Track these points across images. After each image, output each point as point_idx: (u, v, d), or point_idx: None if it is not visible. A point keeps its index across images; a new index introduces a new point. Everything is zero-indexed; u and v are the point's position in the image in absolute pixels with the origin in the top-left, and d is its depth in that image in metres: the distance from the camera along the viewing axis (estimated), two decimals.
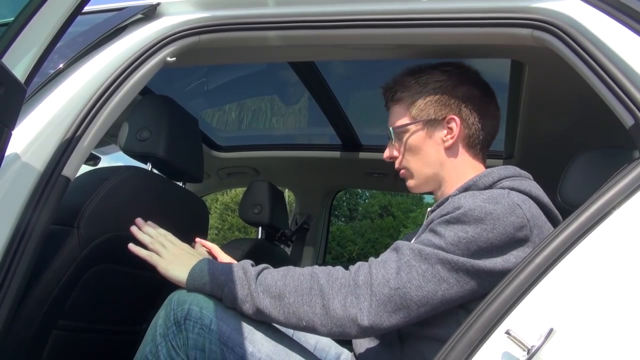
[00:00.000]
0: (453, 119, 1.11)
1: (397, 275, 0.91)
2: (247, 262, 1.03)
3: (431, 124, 1.12)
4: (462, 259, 0.90)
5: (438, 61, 1.17)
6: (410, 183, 1.17)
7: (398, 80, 1.16)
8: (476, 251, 0.91)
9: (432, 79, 1.13)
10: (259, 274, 0.99)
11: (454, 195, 1.02)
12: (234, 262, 1.21)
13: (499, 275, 0.89)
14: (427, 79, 1.13)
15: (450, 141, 1.11)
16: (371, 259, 0.98)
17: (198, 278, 1.01)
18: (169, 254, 1.07)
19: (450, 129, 1.11)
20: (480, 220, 0.91)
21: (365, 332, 0.93)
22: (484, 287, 0.91)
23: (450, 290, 0.91)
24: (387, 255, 0.97)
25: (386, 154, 1.19)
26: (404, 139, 1.14)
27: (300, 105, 2.33)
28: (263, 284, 0.97)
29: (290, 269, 0.99)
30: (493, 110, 1.16)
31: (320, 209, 2.79)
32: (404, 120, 1.14)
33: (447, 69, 1.14)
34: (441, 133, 1.12)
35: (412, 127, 1.13)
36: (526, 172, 1.06)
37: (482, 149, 1.15)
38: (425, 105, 1.12)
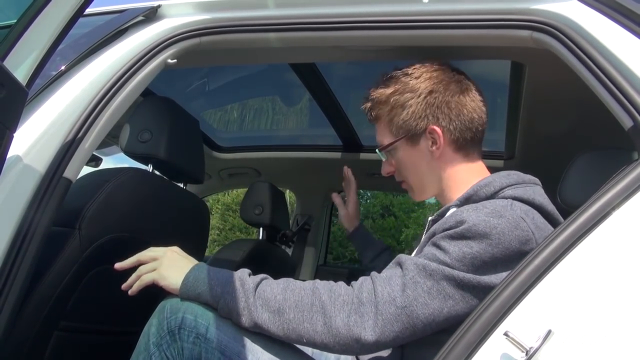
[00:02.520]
0: (433, 129, 1.08)
1: (403, 293, 0.88)
2: (245, 272, 0.97)
3: (413, 138, 1.10)
4: (468, 276, 0.88)
5: (407, 63, 1.15)
6: (412, 194, 1.19)
7: (373, 97, 1.16)
8: (481, 266, 0.89)
9: (406, 89, 1.10)
10: (257, 285, 0.94)
11: (456, 206, 1.00)
12: None
13: None
14: (401, 91, 1.11)
15: (437, 151, 1.09)
16: (374, 273, 0.95)
17: (192, 288, 0.96)
18: (163, 259, 1.01)
19: (434, 139, 1.09)
20: (485, 235, 0.89)
21: (369, 350, 0.90)
22: None
23: (456, 307, 0.89)
24: (391, 270, 0.94)
25: (384, 170, 1.20)
26: (395, 155, 1.15)
27: (301, 106, 2.34)
28: (262, 297, 0.93)
29: (291, 282, 0.95)
30: (473, 103, 1.11)
31: (322, 210, 2.79)
32: (388, 139, 1.14)
33: (417, 74, 1.11)
34: (426, 144, 1.10)
35: (397, 145, 1.12)
36: (531, 177, 1.03)
37: (474, 145, 1.12)
38: (403, 122, 1.10)
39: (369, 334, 0.87)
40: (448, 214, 0.99)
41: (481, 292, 0.89)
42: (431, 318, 0.88)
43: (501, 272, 0.89)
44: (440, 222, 0.97)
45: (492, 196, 0.99)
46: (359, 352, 0.91)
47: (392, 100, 1.12)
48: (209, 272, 0.97)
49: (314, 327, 0.90)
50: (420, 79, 1.10)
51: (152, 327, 0.97)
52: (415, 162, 1.12)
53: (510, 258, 0.89)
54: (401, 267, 0.92)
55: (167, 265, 1.00)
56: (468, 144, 1.11)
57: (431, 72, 1.11)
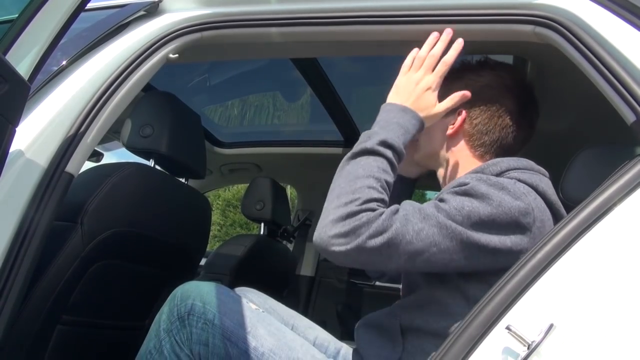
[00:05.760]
0: (461, 112, 1.12)
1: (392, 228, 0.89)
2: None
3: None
4: (459, 228, 0.89)
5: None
6: (415, 154, 1.19)
7: (457, 65, 1.15)
8: (476, 222, 0.90)
9: (472, 74, 1.13)
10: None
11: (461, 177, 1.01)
12: None
13: (489, 254, 0.90)
14: (469, 73, 1.13)
15: (451, 130, 1.12)
16: (402, 209, 0.92)
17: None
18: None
19: (456, 119, 1.12)
20: (487, 196, 0.91)
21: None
22: (469, 262, 0.92)
23: (437, 255, 0.90)
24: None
25: None
26: None
27: (302, 102, 2.34)
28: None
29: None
30: (512, 128, 1.12)
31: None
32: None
33: (496, 72, 1.14)
34: (451, 120, 1.12)
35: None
36: (542, 168, 1.05)
37: (489, 153, 1.12)
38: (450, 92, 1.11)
39: (341, 252, 0.89)
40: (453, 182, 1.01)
41: (466, 248, 0.90)
42: (408, 255, 0.89)
43: (494, 234, 0.91)
44: (443, 188, 1.00)
45: (499, 175, 1.00)
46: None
47: (459, 73, 1.14)
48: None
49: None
50: (493, 71, 1.14)
51: (163, 315, 1.02)
52: (433, 127, 1.10)
53: (507, 224, 0.91)
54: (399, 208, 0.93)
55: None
56: (481, 146, 1.12)
57: (503, 76, 1.13)
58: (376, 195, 0.92)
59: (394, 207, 0.92)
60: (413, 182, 1.32)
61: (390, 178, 0.97)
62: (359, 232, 0.88)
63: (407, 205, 0.93)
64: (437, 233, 0.90)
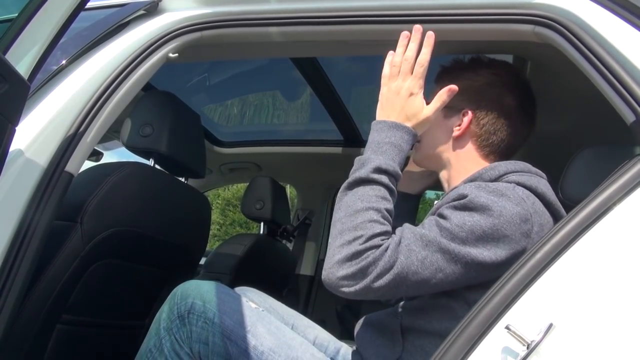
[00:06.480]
0: (466, 113, 1.11)
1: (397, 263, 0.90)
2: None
3: (449, 110, 1.10)
4: (462, 250, 0.89)
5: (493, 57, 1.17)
6: (414, 155, 1.20)
7: (450, 64, 1.17)
8: (480, 236, 0.89)
9: (470, 74, 1.12)
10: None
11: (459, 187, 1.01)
12: None
13: (493, 268, 0.89)
14: (466, 72, 1.13)
15: (458, 132, 1.11)
16: (402, 244, 0.91)
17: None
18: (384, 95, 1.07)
19: (462, 120, 1.11)
20: (487, 207, 0.90)
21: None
22: (476, 279, 0.92)
23: (445, 280, 0.91)
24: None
25: None
26: None
27: (302, 101, 2.34)
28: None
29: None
30: (519, 123, 1.12)
31: (322, 205, 2.79)
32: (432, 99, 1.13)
33: (493, 70, 1.13)
34: (455, 121, 1.12)
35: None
36: (538, 170, 1.04)
37: (494, 152, 1.12)
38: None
39: (351, 292, 0.90)
40: (451, 192, 1.00)
41: (472, 269, 0.90)
42: (417, 285, 0.91)
43: (500, 248, 0.90)
44: (443, 199, 0.99)
45: (497, 179, 1.00)
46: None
47: (456, 72, 1.13)
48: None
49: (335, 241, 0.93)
50: (489, 73, 1.12)
51: (163, 313, 1.02)
52: (436, 129, 1.10)
53: (512, 234, 0.90)
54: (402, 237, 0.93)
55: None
56: (487, 147, 1.12)
57: (500, 73, 1.12)
58: (378, 229, 0.92)
59: (397, 237, 0.92)
60: (417, 198, 1.32)
61: (391, 205, 0.97)
62: (366, 273, 0.89)
63: (408, 233, 0.92)
64: (440, 259, 0.90)
